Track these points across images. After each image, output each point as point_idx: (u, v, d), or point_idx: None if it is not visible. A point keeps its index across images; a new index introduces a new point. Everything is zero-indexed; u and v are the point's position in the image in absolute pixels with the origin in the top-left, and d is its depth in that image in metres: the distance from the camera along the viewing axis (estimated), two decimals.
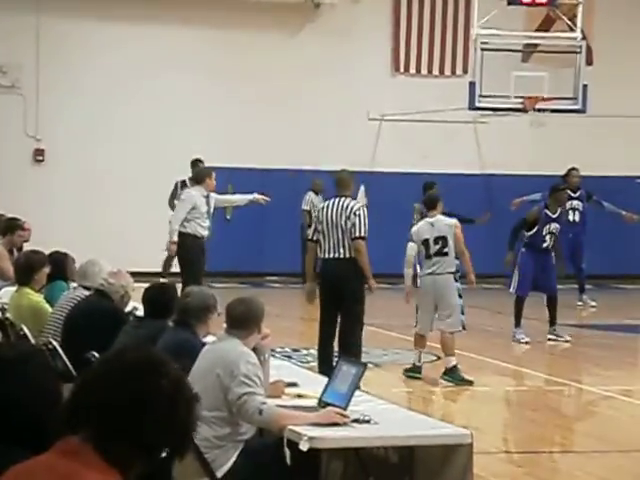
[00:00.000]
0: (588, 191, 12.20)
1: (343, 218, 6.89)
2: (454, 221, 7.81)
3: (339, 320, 6.99)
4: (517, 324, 9.45)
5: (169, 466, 3.69)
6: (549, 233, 9.48)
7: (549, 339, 9.67)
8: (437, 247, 7.64)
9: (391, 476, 4.05)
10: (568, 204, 11.97)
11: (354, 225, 6.85)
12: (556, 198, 9.78)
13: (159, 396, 1.57)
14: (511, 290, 9.46)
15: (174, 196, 11.64)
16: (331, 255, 6.94)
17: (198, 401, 1.65)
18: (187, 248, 9.07)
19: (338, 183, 7.13)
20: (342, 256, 6.90)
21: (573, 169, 12.19)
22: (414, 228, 8.00)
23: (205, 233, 9.25)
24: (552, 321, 9.66)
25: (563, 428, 6.66)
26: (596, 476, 5.40)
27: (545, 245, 9.48)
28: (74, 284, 5.68)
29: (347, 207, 6.93)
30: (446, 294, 7.61)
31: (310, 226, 14.27)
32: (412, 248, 7.76)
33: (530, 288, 9.51)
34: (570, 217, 11.97)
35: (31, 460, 1.59)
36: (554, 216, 9.60)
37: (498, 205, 15.24)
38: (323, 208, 7.06)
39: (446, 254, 7.63)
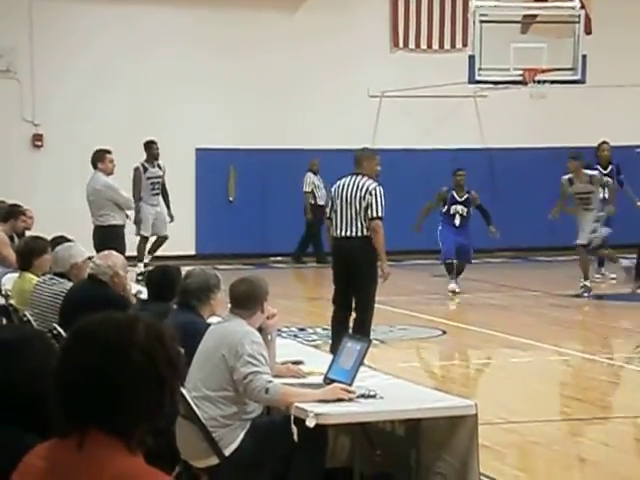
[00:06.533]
0: (618, 166, 11.99)
1: (358, 197, 6.78)
2: None
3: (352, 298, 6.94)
4: None
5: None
6: None
7: None
8: None
9: (398, 449, 4.09)
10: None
11: (370, 205, 6.73)
12: None
13: (137, 360, 1.51)
14: None
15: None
16: (343, 233, 6.84)
17: (175, 340, 1.59)
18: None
19: (354, 161, 7.04)
20: (354, 234, 6.79)
21: (604, 142, 11.92)
22: None
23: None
24: None
25: (566, 397, 6.71)
26: (598, 442, 5.45)
27: None
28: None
29: (362, 186, 6.81)
30: None
31: (312, 206, 14.27)
32: None
33: None
34: (600, 195, 11.86)
35: (47, 458, 1.55)
36: None
37: (500, 179, 15.22)
38: (339, 186, 6.94)
39: None
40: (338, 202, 6.87)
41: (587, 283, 10.81)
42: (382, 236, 6.77)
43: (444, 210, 11.16)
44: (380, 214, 6.76)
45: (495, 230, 11.17)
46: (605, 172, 11.88)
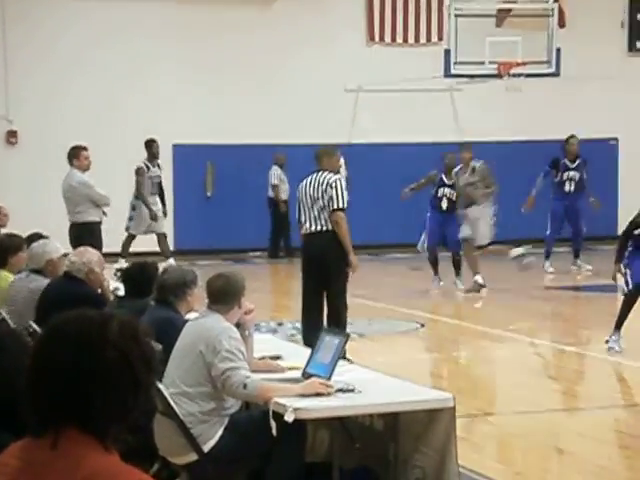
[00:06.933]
0: (585, 160, 11.93)
1: (320, 191, 6.83)
2: None
3: (324, 294, 6.91)
4: (617, 327, 7.39)
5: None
6: None
7: None
8: None
9: (377, 443, 4.11)
10: (565, 175, 11.91)
11: (331, 198, 6.78)
12: None
13: (111, 356, 1.51)
14: (626, 291, 7.32)
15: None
16: (312, 229, 6.86)
17: (149, 336, 1.59)
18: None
19: (315, 158, 7.11)
20: (322, 229, 6.83)
21: (572, 137, 11.94)
22: None
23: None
24: None
25: (543, 388, 6.77)
26: (575, 432, 5.52)
27: None
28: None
29: (323, 181, 6.87)
30: None
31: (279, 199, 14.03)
32: None
33: None
34: (566, 188, 11.87)
35: (21, 457, 1.53)
36: None
37: None
38: (304, 185, 7.00)
39: None
40: (304, 200, 6.93)
41: (479, 279, 10.37)
42: (345, 227, 6.81)
43: (433, 193, 10.92)
44: (341, 205, 6.77)
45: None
46: (572, 166, 11.97)
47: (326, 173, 6.94)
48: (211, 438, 3.84)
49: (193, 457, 3.85)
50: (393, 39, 15.13)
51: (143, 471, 1.56)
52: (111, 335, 1.54)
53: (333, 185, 6.82)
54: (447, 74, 12.67)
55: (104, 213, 9.76)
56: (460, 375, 7.35)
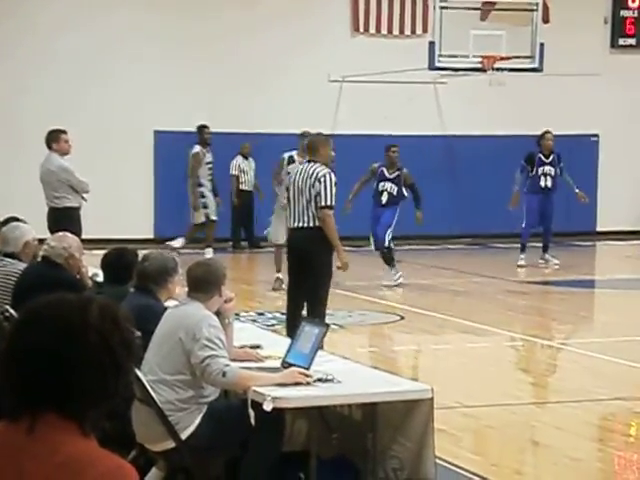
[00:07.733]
0: (559, 155, 12.03)
1: (308, 185, 6.51)
2: None
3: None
4: None
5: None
6: None
7: None
8: None
9: (355, 433, 4.12)
10: (540, 170, 11.97)
11: (319, 193, 6.45)
12: None
13: (91, 341, 1.50)
14: None
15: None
16: (296, 224, 6.53)
17: (129, 321, 1.57)
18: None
19: (308, 148, 6.78)
20: (306, 225, 6.46)
21: (547, 132, 11.99)
22: None
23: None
24: None
25: (521, 381, 6.83)
26: (551, 426, 5.57)
27: None
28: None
29: (312, 173, 6.53)
30: None
31: (237, 191, 13.79)
32: None
33: None
34: (542, 183, 11.94)
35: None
36: None
37: (459, 165, 15.35)
38: (293, 174, 6.71)
39: None
40: (292, 191, 6.64)
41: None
42: (332, 225, 6.44)
43: (374, 187, 10.65)
44: (329, 202, 6.44)
45: (421, 216, 10.55)
46: (548, 161, 12.03)
47: (317, 165, 6.58)
48: (189, 426, 3.84)
49: (171, 444, 3.84)
50: (378, 30, 15.11)
51: (120, 457, 1.55)
52: (92, 319, 1.52)
53: (322, 180, 6.47)
54: (431, 67, 12.66)
55: (83, 199, 9.65)
56: (438, 367, 7.38)
